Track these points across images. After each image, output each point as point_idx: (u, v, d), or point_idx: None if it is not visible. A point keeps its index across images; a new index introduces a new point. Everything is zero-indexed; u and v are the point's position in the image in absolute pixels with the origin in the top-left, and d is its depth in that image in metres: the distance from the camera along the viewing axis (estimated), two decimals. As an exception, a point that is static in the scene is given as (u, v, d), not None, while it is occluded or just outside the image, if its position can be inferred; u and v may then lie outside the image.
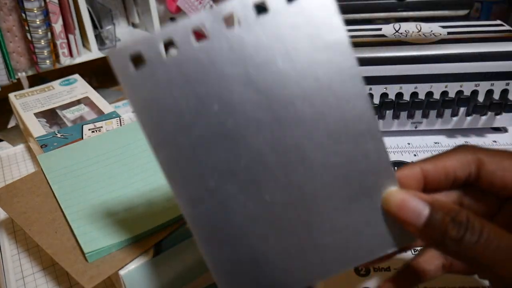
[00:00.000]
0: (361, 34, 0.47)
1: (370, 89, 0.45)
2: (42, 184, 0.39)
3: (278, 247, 0.21)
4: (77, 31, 0.68)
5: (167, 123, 0.20)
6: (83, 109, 0.55)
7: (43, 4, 0.61)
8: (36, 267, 0.39)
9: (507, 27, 0.48)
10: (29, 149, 0.56)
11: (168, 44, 0.19)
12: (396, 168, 0.23)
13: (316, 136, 0.20)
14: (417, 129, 0.48)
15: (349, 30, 0.48)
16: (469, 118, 0.47)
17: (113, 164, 0.41)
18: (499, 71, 0.44)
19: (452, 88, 0.45)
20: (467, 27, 0.48)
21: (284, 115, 0.20)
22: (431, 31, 0.47)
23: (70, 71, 0.66)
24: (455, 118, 0.47)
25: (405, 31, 0.47)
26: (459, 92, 0.45)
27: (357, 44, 0.45)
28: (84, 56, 0.70)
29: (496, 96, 0.45)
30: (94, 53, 0.70)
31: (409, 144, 0.48)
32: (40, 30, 0.62)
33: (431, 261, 0.24)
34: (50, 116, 0.54)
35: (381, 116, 0.47)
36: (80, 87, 0.60)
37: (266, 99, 0.20)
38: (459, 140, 0.49)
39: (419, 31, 0.47)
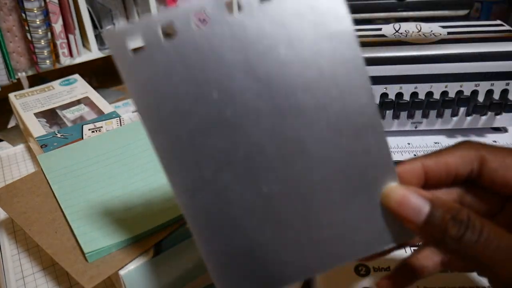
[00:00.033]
0: (361, 34, 0.47)
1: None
2: (42, 184, 0.39)
3: (274, 239, 0.21)
4: (77, 31, 0.68)
5: (164, 109, 0.19)
6: (83, 109, 0.55)
7: (43, 4, 0.61)
8: (36, 267, 0.39)
9: (507, 27, 0.48)
10: (29, 149, 0.56)
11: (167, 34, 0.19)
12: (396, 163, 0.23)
13: (317, 128, 0.20)
14: (417, 129, 0.48)
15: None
16: (469, 118, 0.47)
17: (113, 164, 0.41)
18: (499, 71, 0.44)
19: (452, 88, 0.45)
20: (467, 27, 0.48)
21: (285, 105, 0.20)
22: (431, 31, 0.47)
23: (70, 71, 0.66)
24: (455, 118, 0.47)
25: (405, 31, 0.47)
26: (459, 92, 0.45)
27: (357, 44, 0.45)
28: (84, 56, 0.70)
29: (496, 96, 0.45)
30: (94, 53, 0.70)
31: (409, 144, 0.48)
32: (40, 30, 0.62)
33: (429, 258, 0.24)
34: (50, 116, 0.54)
35: (381, 116, 0.47)
36: (80, 87, 0.60)
37: (267, 88, 0.19)
38: (459, 140, 0.49)
39: (419, 31, 0.47)
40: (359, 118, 0.20)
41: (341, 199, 0.21)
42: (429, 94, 0.45)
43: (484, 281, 0.31)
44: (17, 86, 0.65)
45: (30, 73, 0.67)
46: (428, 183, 0.22)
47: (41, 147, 0.46)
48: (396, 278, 0.24)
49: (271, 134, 0.20)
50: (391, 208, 0.20)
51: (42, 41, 0.63)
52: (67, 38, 0.67)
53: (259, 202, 0.20)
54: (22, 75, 0.66)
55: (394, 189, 0.20)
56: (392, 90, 0.45)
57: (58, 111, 0.55)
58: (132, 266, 0.32)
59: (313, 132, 0.20)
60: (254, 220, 0.20)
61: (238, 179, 0.20)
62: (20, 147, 0.57)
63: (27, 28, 0.61)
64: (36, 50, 0.63)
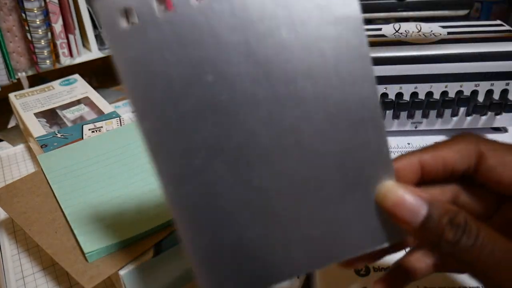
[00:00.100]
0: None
1: (370, 89, 0.45)
2: (42, 184, 0.39)
3: (264, 235, 0.20)
4: (77, 31, 0.68)
5: (155, 89, 0.18)
6: (83, 109, 0.55)
7: (43, 4, 0.61)
8: (36, 267, 0.39)
9: (507, 27, 0.48)
10: (29, 149, 0.56)
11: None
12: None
13: (315, 119, 0.19)
14: (417, 129, 0.48)
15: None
16: (469, 118, 0.47)
17: (113, 164, 0.41)
18: (499, 71, 0.44)
19: (452, 88, 0.45)
20: (467, 27, 0.48)
21: (284, 93, 0.18)
22: (431, 31, 0.47)
23: (70, 71, 0.66)
24: (455, 118, 0.47)
25: (405, 31, 0.47)
26: (459, 92, 0.45)
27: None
28: (84, 56, 0.70)
29: (496, 96, 0.45)
30: (94, 53, 0.70)
31: (409, 144, 0.48)
32: (40, 30, 0.62)
33: (421, 260, 0.23)
34: (50, 116, 0.54)
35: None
36: (80, 87, 0.60)
37: (266, 73, 0.18)
38: (459, 140, 0.49)
39: (419, 31, 0.47)
40: (359, 110, 0.19)
41: (335, 195, 0.20)
42: (429, 94, 0.45)
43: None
44: (17, 86, 0.65)
45: (30, 73, 0.67)
46: (425, 178, 0.22)
47: (41, 147, 0.46)
48: (389, 281, 0.24)
49: (267, 123, 0.19)
50: (387, 208, 0.20)
51: (42, 41, 0.63)
52: (67, 38, 0.67)
53: (250, 196, 0.19)
54: (22, 75, 0.66)
55: (390, 188, 0.20)
56: (392, 90, 0.45)
57: (58, 111, 0.55)
58: (132, 266, 0.32)
59: (310, 123, 0.19)
60: (244, 215, 0.19)
61: (229, 170, 0.19)
62: (20, 147, 0.56)
63: (27, 28, 0.61)
64: (36, 50, 0.63)
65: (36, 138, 0.48)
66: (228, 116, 0.18)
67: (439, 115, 0.47)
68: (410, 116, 0.47)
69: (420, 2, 0.52)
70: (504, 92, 0.45)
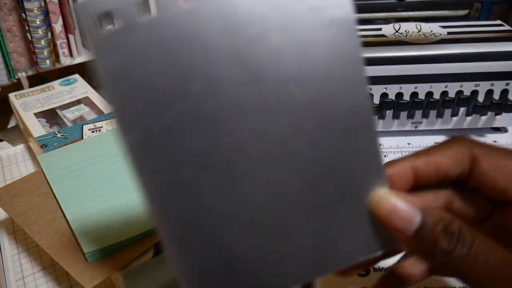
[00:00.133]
0: (361, 34, 0.47)
1: (370, 89, 0.45)
2: (42, 184, 0.39)
3: (254, 249, 0.19)
4: (77, 31, 0.68)
5: (138, 99, 0.17)
6: (83, 109, 0.55)
7: (43, 4, 0.61)
8: (36, 267, 0.39)
9: (507, 27, 0.48)
10: (29, 149, 0.56)
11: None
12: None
13: (306, 127, 0.18)
14: (417, 129, 0.48)
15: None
16: (469, 118, 0.47)
17: (113, 164, 0.41)
18: (499, 71, 0.44)
19: (452, 88, 0.45)
20: (467, 27, 0.48)
21: (274, 101, 0.17)
22: (431, 31, 0.47)
23: (70, 71, 0.66)
24: (455, 118, 0.47)
25: (405, 31, 0.47)
26: (459, 92, 0.45)
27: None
28: (84, 56, 0.70)
29: (496, 96, 0.45)
30: (94, 53, 0.70)
31: (409, 144, 0.48)
32: (40, 30, 0.62)
33: (415, 265, 0.23)
34: (50, 116, 0.54)
35: (381, 116, 0.47)
36: (80, 87, 0.60)
37: (256, 80, 0.17)
38: (459, 140, 0.49)
39: (419, 31, 0.47)
40: (352, 117, 0.18)
41: (327, 204, 0.19)
42: (429, 94, 0.45)
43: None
44: (17, 86, 0.64)
45: (30, 73, 0.67)
46: (418, 183, 0.22)
47: (41, 147, 0.46)
48: (384, 287, 0.23)
49: (256, 133, 0.18)
50: (380, 217, 0.19)
51: (42, 41, 0.63)
52: (67, 38, 0.67)
53: (240, 209, 0.18)
54: (22, 75, 0.66)
55: (383, 196, 0.19)
56: (392, 90, 0.45)
57: (58, 111, 0.55)
58: (132, 266, 0.32)
59: (302, 131, 0.18)
60: (234, 228, 0.18)
61: (218, 183, 0.18)
62: (20, 147, 0.56)
63: (27, 28, 0.61)
64: (36, 50, 0.63)
65: (36, 138, 0.48)
66: (215, 126, 0.17)
67: (439, 115, 0.47)
68: (410, 116, 0.47)
69: (420, 2, 0.52)
70: (504, 92, 0.45)
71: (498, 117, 0.47)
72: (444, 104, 0.45)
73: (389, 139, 0.49)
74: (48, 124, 0.52)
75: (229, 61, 0.17)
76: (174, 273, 0.19)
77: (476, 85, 0.45)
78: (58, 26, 0.64)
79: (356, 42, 0.18)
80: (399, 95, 0.45)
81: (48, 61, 0.65)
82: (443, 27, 0.48)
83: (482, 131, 0.50)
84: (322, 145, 0.18)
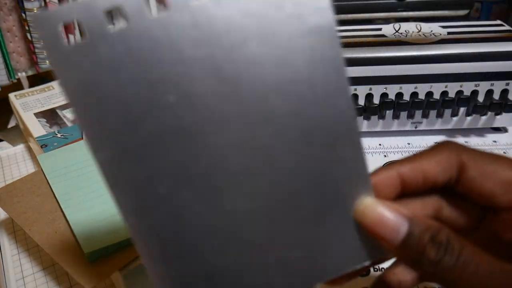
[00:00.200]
0: (361, 34, 0.47)
1: (370, 89, 0.45)
2: (42, 184, 0.39)
3: (238, 262, 0.18)
4: (77, 31, 0.68)
5: (109, 114, 0.16)
6: (83, 109, 0.55)
7: (43, 4, 0.61)
8: (36, 267, 0.39)
9: (507, 27, 0.48)
10: (29, 149, 0.56)
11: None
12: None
13: (288, 137, 0.17)
14: (417, 129, 0.48)
15: (349, 30, 0.48)
16: (469, 118, 0.47)
17: (113, 164, 0.41)
18: (499, 71, 0.44)
19: (452, 88, 0.45)
20: (467, 27, 0.48)
21: (254, 111, 0.17)
22: (431, 31, 0.47)
23: (70, 71, 0.66)
24: (455, 118, 0.47)
25: (405, 31, 0.47)
26: (459, 92, 0.45)
27: (357, 44, 0.45)
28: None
29: (496, 96, 0.45)
30: (94, 53, 0.70)
31: (409, 144, 0.48)
32: (40, 30, 0.62)
33: (406, 272, 0.23)
34: (50, 116, 0.54)
35: (381, 116, 0.47)
36: (80, 87, 0.60)
37: (234, 91, 0.17)
38: (459, 140, 0.49)
39: (419, 31, 0.47)
40: (335, 126, 0.18)
41: (312, 215, 0.18)
42: (429, 94, 0.45)
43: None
44: (17, 86, 0.64)
45: (30, 73, 0.66)
46: (405, 191, 0.21)
47: (41, 147, 0.46)
48: None
49: (236, 144, 0.17)
50: (366, 226, 0.19)
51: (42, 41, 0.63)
52: (67, 38, 0.67)
53: (221, 221, 0.18)
54: (22, 75, 0.66)
55: (369, 205, 0.19)
56: (392, 90, 0.45)
57: (58, 111, 0.55)
58: (132, 266, 0.32)
59: (283, 141, 0.17)
60: (216, 242, 0.18)
61: (198, 196, 0.17)
62: (20, 147, 0.56)
63: (27, 28, 0.61)
64: (36, 50, 0.63)
65: (36, 138, 0.48)
66: (193, 139, 0.17)
67: (439, 115, 0.47)
68: (410, 116, 0.47)
69: (420, 2, 0.52)
70: (504, 92, 0.45)
71: (498, 117, 0.47)
72: (444, 104, 0.45)
73: (389, 139, 0.49)
74: (48, 124, 0.52)
75: (206, 71, 0.16)
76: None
77: (476, 85, 0.45)
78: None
79: (337, 49, 0.17)
80: (399, 95, 0.45)
81: (48, 61, 0.65)
82: (443, 27, 0.48)
83: (482, 131, 0.50)
84: (305, 155, 0.18)
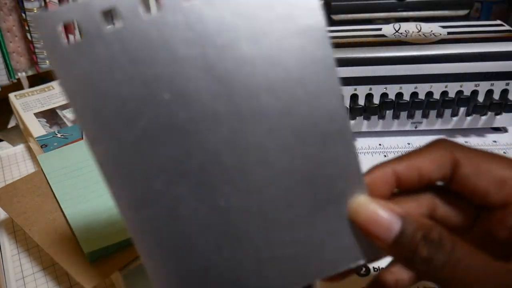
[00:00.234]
0: (361, 34, 0.47)
1: (370, 89, 0.45)
2: (42, 184, 0.39)
3: (232, 258, 0.19)
4: (77, 31, 0.68)
5: (106, 111, 0.17)
6: (83, 109, 0.55)
7: (43, 4, 0.61)
8: (36, 267, 0.39)
9: (507, 27, 0.48)
10: (29, 149, 0.56)
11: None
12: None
13: (281, 135, 0.18)
14: (417, 129, 0.48)
15: (349, 30, 0.48)
16: (469, 118, 0.47)
17: (113, 164, 0.41)
18: (499, 71, 0.44)
19: (452, 88, 0.45)
20: (467, 27, 0.48)
21: (246, 109, 0.17)
22: (431, 31, 0.47)
23: (70, 71, 0.66)
24: (455, 118, 0.47)
25: (405, 31, 0.47)
26: (459, 92, 0.45)
27: (357, 44, 0.45)
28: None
29: (496, 96, 0.45)
30: (94, 53, 0.70)
31: (409, 144, 0.48)
32: (40, 30, 0.62)
33: (404, 270, 0.22)
34: (50, 116, 0.54)
35: (381, 116, 0.47)
36: (80, 87, 0.60)
37: (226, 89, 0.17)
38: (459, 140, 0.49)
39: (419, 31, 0.47)
40: (326, 124, 0.18)
41: (305, 213, 0.19)
42: (429, 94, 0.45)
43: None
44: (17, 86, 0.64)
45: (30, 73, 0.67)
46: (400, 188, 0.21)
47: (41, 147, 0.46)
48: None
49: (229, 141, 0.18)
50: (359, 224, 0.19)
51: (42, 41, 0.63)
52: (67, 38, 0.67)
53: (215, 217, 0.18)
54: (22, 75, 0.66)
55: (362, 203, 0.19)
56: (392, 90, 0.45)
57: (58, 111, 0.55)
58: (132, 266, 0.32)
59: (276, 139, 0.18)
60: (210, 238, 0.18)
61: (192, 192, 0.18)
62: (20, 147, 0.57)
63: (27, 28, 0.61)
64: (36, 50, 0.63)
65: (36, 138, 0.48)
66: (187, 135, 0.17)
67: (439, 115, 0.47)
68: (410, 116, 0.47)
69: (420, 2, 0.52)
70: (504, 92, 0.45)
71: (498, 117, 0.47)
72: (444, 104, 0.45)
73: (389, 139, 0.49)
74: (48, 124, 0.52)
75: (199, 70, 0.17)
76: (152, 284, 0.19)
77: (476, 85, 0.45)
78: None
79: (327, 49, 0.17)
80: (399, 95, 0.45)
81: (48, 61, 0.65)
82: (443, 27, 0.48)
83: (482, 131, 0.50)
84: (297, 152, 0.18)
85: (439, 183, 0.21)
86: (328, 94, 0.18)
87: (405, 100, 0.45)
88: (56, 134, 0.48)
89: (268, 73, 0.17)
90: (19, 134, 0.59)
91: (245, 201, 0.18)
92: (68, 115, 0.54)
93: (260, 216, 0.18)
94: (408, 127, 0.48)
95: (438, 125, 0.48)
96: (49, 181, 0.39)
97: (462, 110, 0.47)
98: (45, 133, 0.49)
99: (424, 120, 0.48)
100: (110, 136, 0.17)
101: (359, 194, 0.19)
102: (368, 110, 0.45)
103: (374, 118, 0.47)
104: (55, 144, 0.46)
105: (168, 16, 0.16)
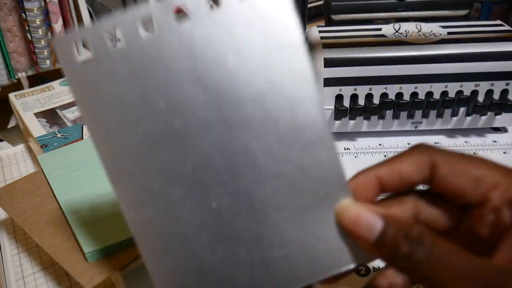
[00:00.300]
0: (361, 34, 0.47)
1: (370, 89, 0.45)
2: (42, 184, 0.39)
3: (225, 258, 0.20)
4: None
5: (111, 118, 0.19)
6: (83, 109, 0.55)
7: (43, 4, 0.61)
8: (36, 267, 0.39)
9: (507, 27, 0.48)
10: (29, 149, 0.56)
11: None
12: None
13: (266, 141, 0.19)
14: (417, 129, 0.48)
15: (349, 30, 0.48)
16: (469, 118, 0.47)
17: (113, 164, 0.41)
18: (499, 71, 0.44)
19: (452, 88, 0.45)
20: (467, 27, 0.48)
21: (233, 117, 0.19)
22: (431, 31, 0.47)
23: (70, 71, 0.66)
24: (455, 118, 0.47)
25: (405, 31, 0.47)
26: (459, 92, 0.45)
27: (357, 44, 0.45)
28: (84, 56, 0.70)
29: (496, 96, 0.45)
30: (94, 53, 0.70)
31: (409, 144, 0.48)
32: (40, 30, 0.62)
33: (397, 274, 0.23)
34: (50, 116, 0.54)
35: (381, 116, 0.47)
36: (80, 87, 0.60)
37: (215, 98, 0.19)
38: (459, 140, 0.49)
39: (419, 31, 0.47)
40: (308, 131, 0.19)
41: (293, 216, 0.20)
42: (429, 94, 0.45)
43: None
44: (17, 86, 0.64)
45: (30, 73, 0.66)
46: (384, 192, 0.22)
47: (41, 147, 0.46)
48: None
49: (219, 146, 0.19)
50: (345, 226, 0.20)
51: (42, 41, 0.63)
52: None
53: (209, 218, 0.19)
54: (22, 75, 0.66)
55: (347, 206, 0.20)
56: (392, 90, 0.45)
57: (58, 111, 0.55)
58: (132, 266, 0.32)
59: (262, 145, 0.19)
60: (204, 238, 0.19)
61: (187, 193, 0.19)
62: (20, 147, 0.56)
63: (27, 28, 0.61)
64: (36, 50, 0.63)
65: (36, 138, 0.48)
66: (181, 140, 0.19)
67: (439, 115, 0.47)
68: (410, 116, 0.47)
69: (420, 2, 0.52)
70: (504, 92, 0.45)
71: (498, 117, 0.47)
72: (444, 104, 0.45)
73: (389, 139, 0.49)
74: (48, 124, 0.52)
75: (190, 82, 0.19)
76: (152, 282, 0.20)
77: (476, 85, 0.45)
78: (58, 26, 0.64)
79: (305, 62, 0.19)
80: (399, 95, 0.45)
81: (48, 61, 0.65)
82: (443, 27, 0.48)
83: (482, 131, 0.50)
84: (283, 158, 0.19)
85: (422, 187, 0.22)
86: (308, 103, 0.19)
87: (405, 100, 0.45)
88: (56, 134, 0.48)
89: (252, 84, 0.19)
90: (19, 134, 0.59)
91: (235, 203, 0.19)
92: (68, 115, 0.54)
93: (251, 218, 0.20)
94: (408, 127, 0.48)
95: (438, 125, 0.48)
96: (49, 181, 0.39)
97: (462, 110, 0.47)
98: (45, 133, 0.49)
99: (424, 120, 0.48)
100: (115, 141, 0.19)
101: (344, 198, 0.20)
102: (368, 110, 0.45)
103: (374, 118, 0.47)
104: (55, 144, 0.46)
105: (163, 35, 0.19)
